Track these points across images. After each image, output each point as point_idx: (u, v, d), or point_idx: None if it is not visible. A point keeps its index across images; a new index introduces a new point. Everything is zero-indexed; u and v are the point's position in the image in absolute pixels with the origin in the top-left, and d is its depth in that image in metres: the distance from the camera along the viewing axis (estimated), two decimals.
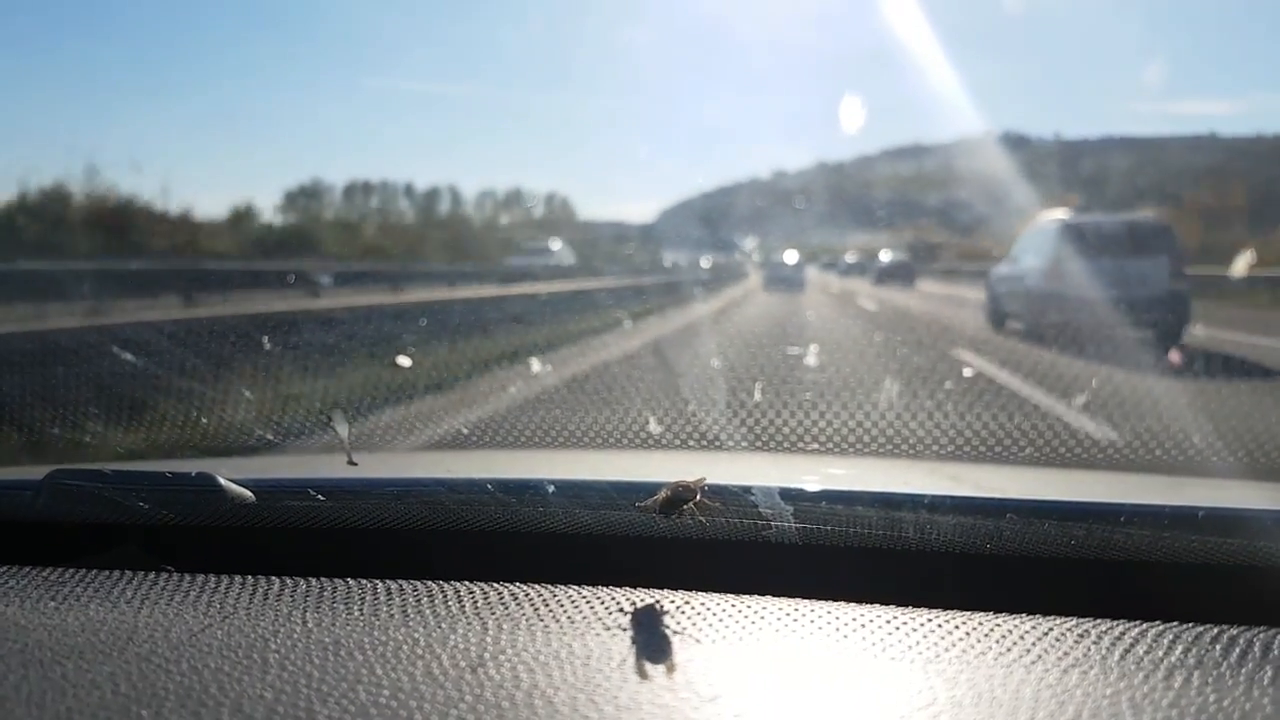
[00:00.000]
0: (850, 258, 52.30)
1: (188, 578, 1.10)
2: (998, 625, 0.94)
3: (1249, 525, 1.04)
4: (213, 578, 1.09)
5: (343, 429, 1.55)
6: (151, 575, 1.11)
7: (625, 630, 0.94)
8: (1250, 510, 1.10)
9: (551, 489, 1.19)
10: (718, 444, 3.29)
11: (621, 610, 0.98)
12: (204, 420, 3.35)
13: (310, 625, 0.96)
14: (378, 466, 1.64)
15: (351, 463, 1.40)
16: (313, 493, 1.23)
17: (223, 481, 1.20)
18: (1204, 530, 1.05)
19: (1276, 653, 0.87)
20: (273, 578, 1.09)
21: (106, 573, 1.11)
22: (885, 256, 37.56)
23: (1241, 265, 19.58)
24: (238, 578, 1.09)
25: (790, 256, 34.71)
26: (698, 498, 1.06)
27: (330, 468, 1.47)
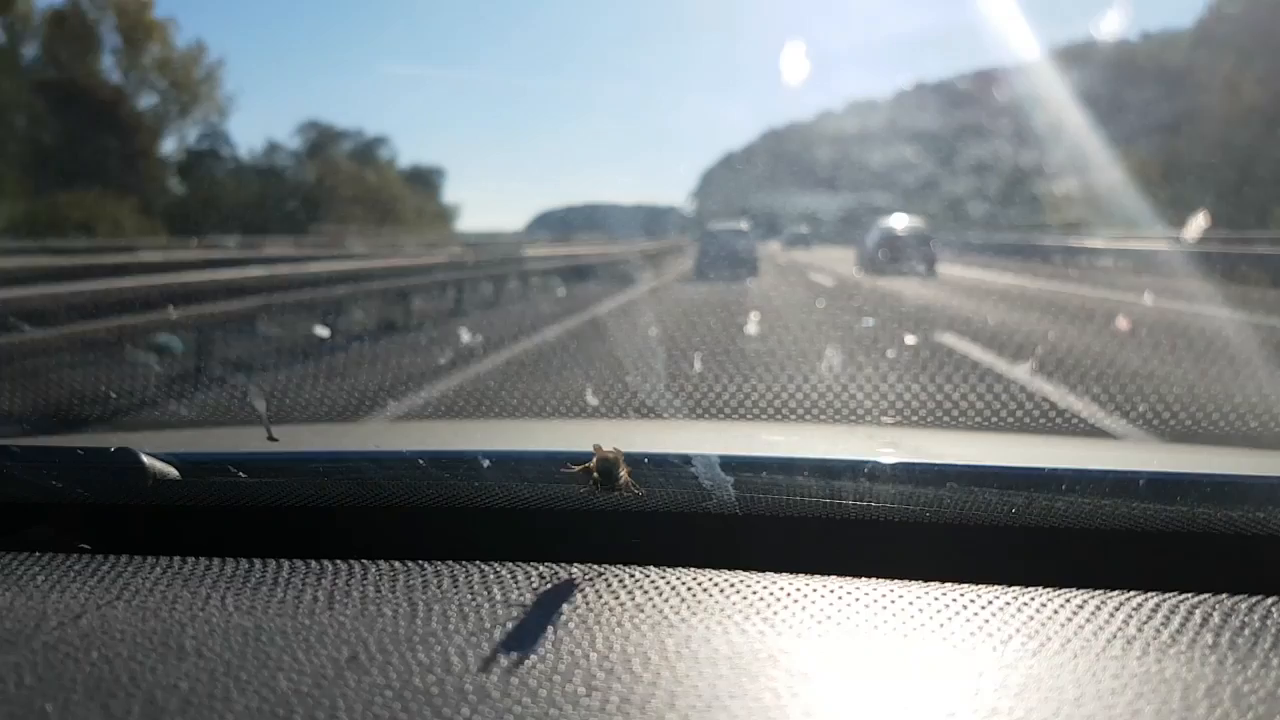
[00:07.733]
0: (804, 228, 36.14)
1: (100, 559, 1.05)
2: (928, 592, 0.94)
3: (1189, 491, 1.05)
4: (127, 559, 1.05)
5: (260, 404, 1.48)
6: (63, 557, 1.06)
7: (559, 607, 0.91)
8: (1190, 475, 1.12)
9: (486, 462, 1.16)
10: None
11: (557, 586, 0.96)
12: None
13: (229, 609, 0.92)
14: (302, 441, 1.59)
15: (272, 438, 1.34)
16: (233, 469, 1.18)
17: (145, 458, 1.14)
18: (1145, 497, 1.06)
19: (1215, 621, 0.88)
20: (189, 558, 1.04)
21: (15, 555, 1.06)
22: (898, 222, 22.98)
23: (1193, 230, 18.76)
24: (153, 559, 1.05)
25: (743, 225, 24.10)
26: (622, 464, 1.03)
27: (251, 443, 1.41)
